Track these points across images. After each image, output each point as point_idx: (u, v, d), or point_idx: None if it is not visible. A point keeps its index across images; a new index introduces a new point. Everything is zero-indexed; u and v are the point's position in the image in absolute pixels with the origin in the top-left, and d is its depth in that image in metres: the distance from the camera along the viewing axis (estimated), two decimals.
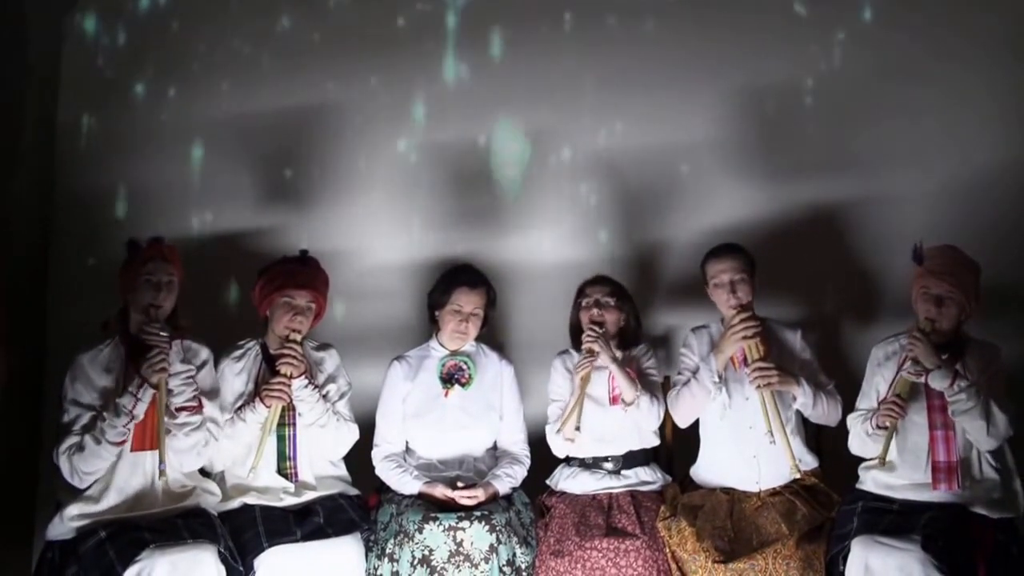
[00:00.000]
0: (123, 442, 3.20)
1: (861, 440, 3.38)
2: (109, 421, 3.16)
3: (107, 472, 3.23)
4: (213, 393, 3.46)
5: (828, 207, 4.13)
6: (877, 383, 3.42)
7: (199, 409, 3.36)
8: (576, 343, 3.76)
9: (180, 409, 3.31)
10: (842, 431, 3.47)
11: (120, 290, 3.38)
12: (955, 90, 4.08)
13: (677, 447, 3.81)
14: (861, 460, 3.39)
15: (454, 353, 3.74)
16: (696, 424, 3.64)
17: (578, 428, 3.52)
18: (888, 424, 3.26)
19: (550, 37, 4.31)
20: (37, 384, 4.09)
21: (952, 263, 3.30)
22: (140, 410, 3.20)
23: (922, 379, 3.23)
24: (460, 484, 3.50)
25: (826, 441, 3.65)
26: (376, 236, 4.28)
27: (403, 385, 3.70)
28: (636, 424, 3.64)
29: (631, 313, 3.78)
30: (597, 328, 3.61)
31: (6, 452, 3.88)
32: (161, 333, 3.25)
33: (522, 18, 4.32)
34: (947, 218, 3.95)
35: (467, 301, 3.69)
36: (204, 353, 3.48)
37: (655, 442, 3.71)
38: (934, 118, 4.09)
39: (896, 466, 3.30)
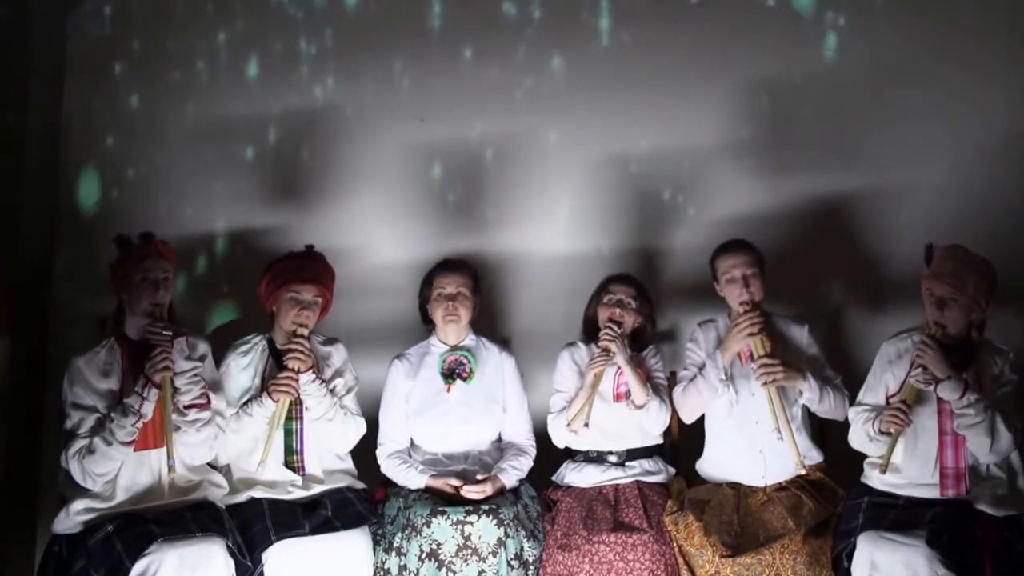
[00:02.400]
0: (132, 442, 3.17)
1: (862, 439, 3.34)
2: (117, 422, 3.14)
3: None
4: (216, 386, 3.45)
5: (831, 202, 4.13)
6: (887, 380, 3.37)
7: (207, 405, 3.35)
8: (588, 335, 3.76)
9: (189, 407, 3.30)
10: (848, 427, 3.44)
11: (114, 288, 3.34)
12: (957, 84, 4.09)
13: (682, 441, 3.81)
14: (866, 455, 3.38)
15: (454, 348, 3.75)
16: (701, 418, 3.64)
17: (587, 424, 3.53)
18: (892, 431, 3.22)
19: (553, 38, 4.32)
20: (39, 379, 4.07)
21: (956, 265, 3.22)
22: (147, 409, 3.18)
23: (931, 388, 3.17)
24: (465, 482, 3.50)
25: (832, 436, 3.65)
26: (379, 233, 4.27)
27: (404, 383, 3.71)
28: (640, 422, 3.64)
29: (648, 316, 3.77)
30: (615, 328, 3.60)
31: (8, 446, 3.87)
32: (164, 332, 3.23)
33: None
34: (951, 212, 3.97)
35: (448, 282, 3.70)
36: (202, 347, 3.45)
37: (658, 440, 3.72)
38: (937, 112, 4.09)
39: (900, 470, 3.27)
